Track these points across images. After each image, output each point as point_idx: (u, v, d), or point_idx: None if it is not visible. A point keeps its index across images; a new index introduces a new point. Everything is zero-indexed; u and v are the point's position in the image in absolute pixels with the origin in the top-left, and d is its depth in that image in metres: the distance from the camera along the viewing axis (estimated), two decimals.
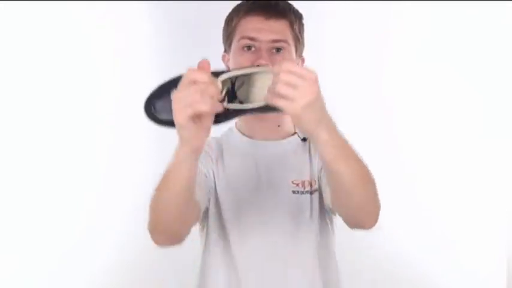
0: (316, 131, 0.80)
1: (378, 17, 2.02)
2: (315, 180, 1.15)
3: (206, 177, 1.11)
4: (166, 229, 0.97)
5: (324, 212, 1.16)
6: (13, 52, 1.84)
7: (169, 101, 0.78)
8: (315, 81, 0.76)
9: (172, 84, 0.81)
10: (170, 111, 0.77)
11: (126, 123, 1.95)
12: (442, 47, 1.99)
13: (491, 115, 1.99)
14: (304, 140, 1.20)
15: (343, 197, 0.92)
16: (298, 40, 1.15)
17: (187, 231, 1.02)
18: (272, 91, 0.76)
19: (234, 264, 1.11)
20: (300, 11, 1.18)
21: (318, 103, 0.77)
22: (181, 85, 0.76)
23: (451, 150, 2.00)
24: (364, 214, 0.95)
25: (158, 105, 0.86)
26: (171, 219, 0.94)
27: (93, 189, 1.94)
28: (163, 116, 0.85)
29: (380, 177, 2.09)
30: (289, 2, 1.19)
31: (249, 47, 1.10)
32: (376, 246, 1.93)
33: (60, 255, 1.88)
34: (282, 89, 0.75)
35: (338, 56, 2.02)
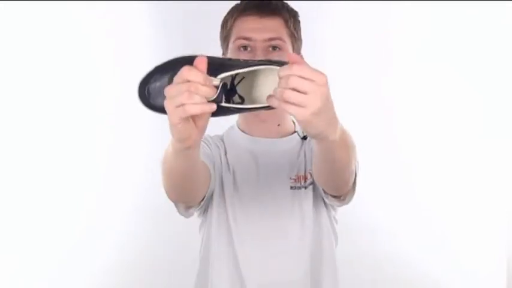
0: (324, 133, 0.76)
1: (378, 17, 2.02)
2: (309, 173, 1.16)
3: (214, 164, 1.14)
4: (178, 192, 1.00)
5: (320, 205, 1.17)
6: (13, 52, 1.84)
7: (164, 85, 0.74)
8: (326, 84, 0.71)
9: (169, 66, 0.77)
10: (163, 96, 0.73)
11: (126, 123, 1.95)
12: (442, 47, 1.99)
13: (491, 115, 1.99)
14: (304, 138, 1.21)
15: (331, 171, 0.96)
16: (294, 37, 1.15)
17: (199, 193, 1.05)
18: (279, 96, 0.70)
19: (236, 258, 1.12)
20: (300, 11, 1.19)
21: (328, 107, 0.72)
22: (174, 81, 0.72)
23: (451, 150, 2.00)
24: (344, 182, 1.00)
25: (152, 87, 0.79)
26: (180, 186, 0.97)
27: (93, 189, 1.94)
28: (156, 101, 0.78)
29: (380, 177, 2.10)
30: (290, 1, 1.19)
31: (245, 47, 1.11)
32: (376, 246, 1.93)
33: (60, 255, 1.88)
34: (291, 96, 0.69)
35: (338, 56, 2.01)
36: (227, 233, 1.13)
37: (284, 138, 1.20)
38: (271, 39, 1.10)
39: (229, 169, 1.16)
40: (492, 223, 1.98)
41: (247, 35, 1.11)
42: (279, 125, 1.19)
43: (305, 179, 1.16)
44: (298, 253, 1.13)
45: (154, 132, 1.92)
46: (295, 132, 1.22)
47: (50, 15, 1.89)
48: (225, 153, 1.19)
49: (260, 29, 1.10)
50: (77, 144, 1.92)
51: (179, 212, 1.10)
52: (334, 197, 1.09)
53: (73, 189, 1.91)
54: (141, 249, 1.94)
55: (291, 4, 1.18)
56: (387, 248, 1.98)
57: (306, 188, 1.15)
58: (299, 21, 1.18)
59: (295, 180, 1.16)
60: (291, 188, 1.15)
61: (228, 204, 1.14)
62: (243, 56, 1.11)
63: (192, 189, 1.01)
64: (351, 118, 2.01)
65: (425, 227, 2.00)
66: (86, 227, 1.92)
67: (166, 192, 0.98)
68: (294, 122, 1.24)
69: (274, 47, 1.11)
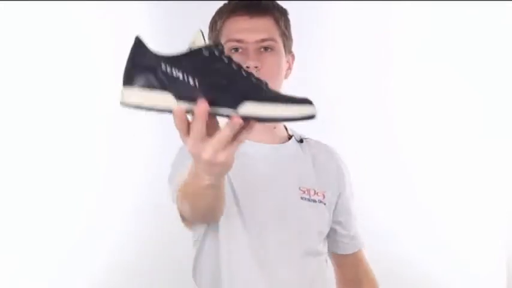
0: None
1: (378, 17, 2.02)
2: (324, 192, 1.15)
3: None
4: (206, 218, 0.98)
5: (324, 226, 1.17)
6: (13, 52, 1.84)
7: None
8: None
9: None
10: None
11: (126, 123, 1.95)
12: (442, 47, 1.99)
13: (491, 115, 1.98)
14: (301, 141, 1.19)
15: None
16: (285, 36, 1.13)
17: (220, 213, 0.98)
18: None
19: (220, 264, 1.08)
20: (300, 11, 1.17)
21: None
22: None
23: (451, 150, 2.00)
24: None
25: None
26: (211, 214, 0.94)
27: (93, 189, 1.94)
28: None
29: (380, 178, 2.09)
30: (290, 1, 1.18)
31: (236, 49, 1.07)
32: (376, 246, 1.93)
33: (60, 255, 1.88)
34: None
35: (338, 56, 2.02)
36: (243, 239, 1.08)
37: (284, 144, 1.17)
38: (263, 40, 1.07)
39: (230, 181, 1.08)
40: (492, 223, 1.98)
41: (238, 36, 1.07)
42: (274, 127, 1.16)
43: (316, 194, 1.14)
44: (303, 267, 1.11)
45: (155, 133, 1.93)
46: (291, 136, 1.19)
47: (50, 15, 1.88)
48: None
49: (251, 30, 1.07)
50: (77, 144, 1.92)
51: (187, 228, 1.04)
52: None
53: (73, 190, 1.90)
54: (140, 249, 1.94)
55: (291, 4, 1.18)
56: (387, 248, 1.97)
57: (315, 202, 1.13)
58: (289, 20, 1.15)
59: (304, 191, 1.13)
60: (302, 198, 1.12)
61: (237, 214, 1.07)
62: (235, 58, 1.08)
63: (219, 211, 0.94)
64: (351, 118, 2.02)
65: (425, 227, 2.00)
66: (86, 227, 1.92)
67: (189, 218, 0.92)
68: (285, 127, 1.21)
69: (266, 48, 1.08)
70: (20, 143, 1.84)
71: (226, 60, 0.70)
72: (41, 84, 1.87)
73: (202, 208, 0.86)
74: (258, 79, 0.71)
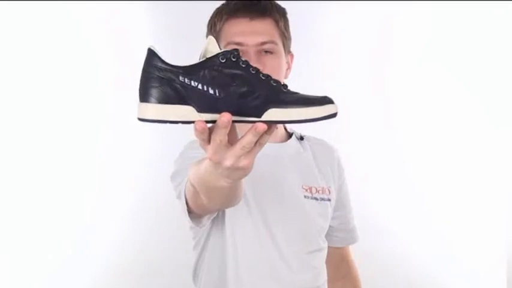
0: None
1: (378, 17, 2.02)
2: (329, 188, 1.16)
3: None
4: (217, 209, 0.97)
5: (326, 222, 1.17)
6: (13, 52, 1.84)
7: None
8: None
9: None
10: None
11: (126, 123, 1.95)
12: (444, 46, 1.99)
13: (492, 115, 1.98)
14: (301, 138, 1.20)
15: None
16: (285, 36, 1.12)
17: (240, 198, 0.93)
18: None
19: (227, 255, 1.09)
20: (301, 11, 1.17)
21: None
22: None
23: (452, 149, 2.00)
24: None
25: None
26: (220, 205, 0.91)
27: (93, 190, 1.94)
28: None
29: (381, 178, 2.09)
30: (290, 1, 1.18)
31: None
32: (376, 246, 1.93)
33: (60, 255, 1.88)
34: None
35: (339, 56, 2.01)
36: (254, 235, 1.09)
37: (285, 142, 1.18)
38: (263, 43, 1.06)
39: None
40: (492, 223, 1.98)
41: (239, 39, 1.06)
42: (277, 127, 1.17)
43: (317, 191, 1.14)
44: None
45: (155, 133, 1.93)
46: (291, 134, 1.20)
47: (50, 15, 1.88)
48: None
49: (251, 33, 1.06)
50: (77, 145, 1.92)
51: (194, 223, 0.99)
52: None
53: (73, 190, 1.91)
54: (140, 250, 1.94)
55: (291, 4, 1.17)
56: (388, 248, 1.98)
57: (317, 200, 1.14)
58: (288, 20, 1.14)
59: (306, 190, 1.13)
60: (305, 197, 1.13)
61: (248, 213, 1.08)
62: None
63: (239, 197, 0.88)
64: (352, 119, 2.02)
65: (425, 227, 2.00)
66: (86, 227, 1.92)
67: (205, 206, 0.87)
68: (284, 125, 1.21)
69: (267, 51, 1.07)
70: (21, 144, 1.84)
71: (243, 65, 0.69)
72: (41, 84, 1.87)
73: (219, 200, 0.84)
74: (276, 81, 0.70)
